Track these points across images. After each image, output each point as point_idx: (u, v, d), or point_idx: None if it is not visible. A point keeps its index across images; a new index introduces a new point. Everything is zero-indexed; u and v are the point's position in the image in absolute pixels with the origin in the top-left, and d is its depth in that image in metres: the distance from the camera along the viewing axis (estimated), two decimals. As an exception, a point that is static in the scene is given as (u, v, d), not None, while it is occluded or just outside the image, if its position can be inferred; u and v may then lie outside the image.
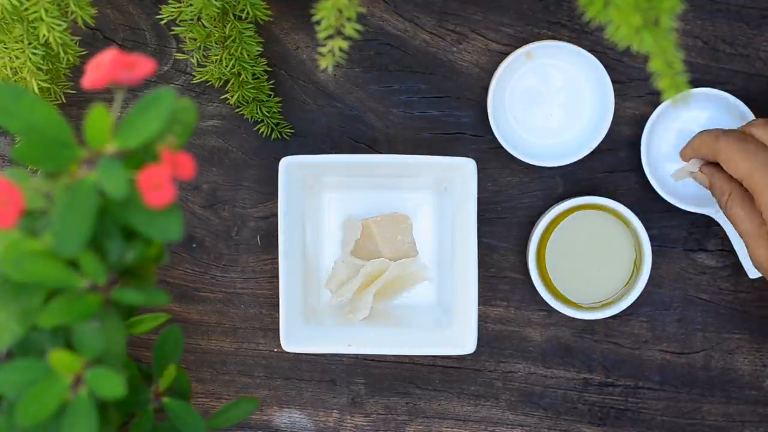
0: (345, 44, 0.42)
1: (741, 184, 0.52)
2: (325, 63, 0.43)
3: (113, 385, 0.37)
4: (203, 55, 0.58)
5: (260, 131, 0.62)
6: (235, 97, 0.59)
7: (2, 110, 0.35)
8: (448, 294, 0.60)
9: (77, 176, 0.35)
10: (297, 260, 0.59)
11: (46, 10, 0.50)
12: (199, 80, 0.60)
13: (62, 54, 0.53)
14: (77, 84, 0.57)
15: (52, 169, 0.35)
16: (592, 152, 0.59)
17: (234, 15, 0.56)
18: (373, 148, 0.62)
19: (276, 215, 0.58)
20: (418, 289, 0.62)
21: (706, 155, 0.54)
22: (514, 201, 0.62)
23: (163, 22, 0.57)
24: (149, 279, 0.39)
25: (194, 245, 0.63)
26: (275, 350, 0.63)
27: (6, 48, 0.53)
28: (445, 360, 0.62)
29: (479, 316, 0.61)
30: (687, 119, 0.60)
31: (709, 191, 0.57)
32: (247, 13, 0.56)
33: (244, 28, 0.57)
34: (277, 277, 0.59)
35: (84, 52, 0.57)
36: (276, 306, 0.61)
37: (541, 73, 0.60)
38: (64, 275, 0.36)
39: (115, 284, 0.37)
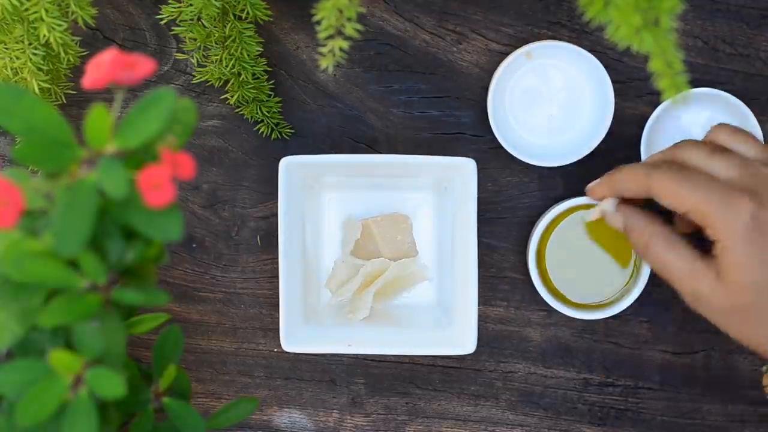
0: (345, 44, 0.42)
1: (662, 224, 0.48)
2: (325, 63, 0.43)
3: (113, 385, 0.37)
4: (203, 55, 0.58)
5: (260, 131, 0.62)
6: (235, 97, 0.59)
7: (3, 110, 0.35)
8: (448, 294, 0.60)
9: (77, 176, 0.35)
10: (297, 260, 0.59)
11: (47, 11, 0.50)
12: (199, 80, 0.60)
13: (63, 54, 0.53)
14: (77, 84, 0.58)
15: (52, 169, 0.35)
16: (592, 152, 0.59)
17: (234, 15, 0.56)
18: (373, 148, 0.62)
19: (276, 215, 0.58)
20: (418, 289, 0.62)
21: (631, 191, 0.49)
22: (514, 201, 0.62)
23: (163, 22, 0.57)
24: (149, 279, 0.39)
25: (194, 245, 0.63)
26: (275, 350, 0.63)
27: (6, 48, 0.53)
28: (445, 360, 0.62)
29: (479, 316, 0.61)
30: (687, 119, 0.60)
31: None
32: (247, 13, 0.56)
33: (244, 28, 0.57)
34: (277, 277, 0.59)
35: (84, 53, 0.57)
36: (276, 306, 0.61)
37: (541, 73, 0.60)
38: (64, 275, 0.36)
39: (115, 284, 0.37)
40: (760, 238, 0.43)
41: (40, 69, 0.53)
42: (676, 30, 0.40)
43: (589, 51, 0.58)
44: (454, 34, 0.61)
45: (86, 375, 0.37)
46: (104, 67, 0.35)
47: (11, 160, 0.63)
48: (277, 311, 0.60)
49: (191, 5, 0.54)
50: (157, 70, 0.62)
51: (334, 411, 0.63)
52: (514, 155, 0.59)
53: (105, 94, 0.60)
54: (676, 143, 0.49)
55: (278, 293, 0.57)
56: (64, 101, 0.59)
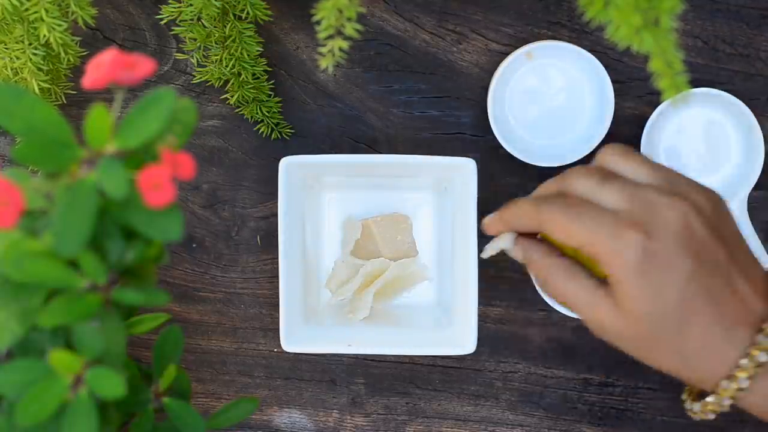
0: (345, 44, 0.42)
1: (560, 255, 0.47)
2: (325, 63, 0.43)
3: (113, 385, 0.37)
4: (203, 55, 0.58)
5: (260, 131, 0.62)
6: (235, 97, 0.59)
7: (3, 110, 0.35)
8: (448, 294, 0.60)
9: (77, 176, 0.35)
10: (297, 260, 0.59)
11: (47, 11, 0.50)
12: (199, 80, 0.60)
13: (63, 54, 0.53)
14: (77, 84, 0.58)
15: (52, 169, 0.35)
16: (592, 152, 0.59)
17: (234, 15, 0.56)
18: (373, 148, 0.62)
19: (276, 215, 0.58)
20: (418, 289, 0.62)
21: (524, 226, 0.48)
22: (514, 201, 0.62)
23: (163, 22, 0.57)
24: (149, 279, 0.39)
25: (194, 245, 0.63)
26: (275, 350, 0.63)
27: (6, 48, 0.53)
28: (445, 360, 0.62)
29: (479, 316, 0.61)
30: (687, 119, 0.60)
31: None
32: (247, 13, 0.56)
33: (244, 28, 0.57)
34: (277, 277, 0.59)
35: (84, 53, 0.57)
36: (276, 306, 0.61)
37: (541, 73, 0.60)
38: (64, 275, 0.36)
39: (115, 284, 0.37)
40: (651, 270, 0.42)
41: (40, 69, 0.53)
42: (676, 30, 0.40)
43: (589, 51, 0.58)
44: (454, 34, 0.61)
45: (86, 375, 0.37)
46: (104, 67, 0.35)
47: (11, 160, 0.63)
48: (277, 311, 0.60)
49: (191, 5, 0.54)
50: (157, 70, 0.62)
51: (334, 411, 0.63)
52: (514, 155, 0.59)
53: (105, 94, 0.60)
54: (566, 171, 0.47)
55: (278, 293, 0.57)
56: (64, 101, 0.59)
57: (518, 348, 0.62)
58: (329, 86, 0.62)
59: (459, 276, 0.58)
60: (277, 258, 0.57)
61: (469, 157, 0.56)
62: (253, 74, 0.58)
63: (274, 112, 0.61)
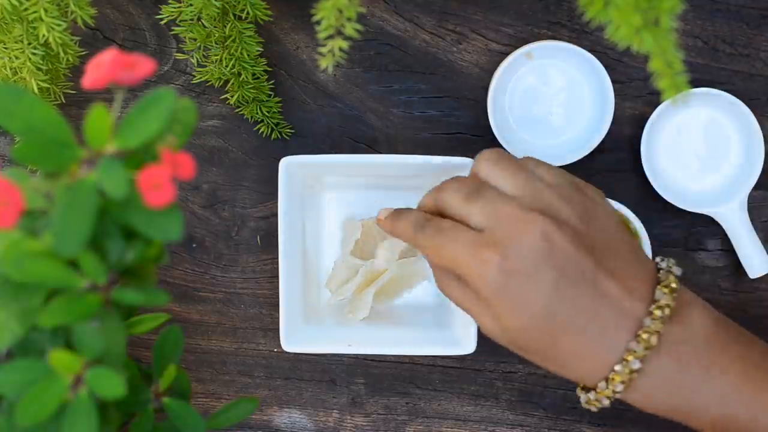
0: (345, 44, 0.42)
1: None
2: (325, 63, 0.43)
3: (113, 385, 0.37)
4: (203, 55, 0.58)
5: (260, 131, 0.62)
6: (235, 97, 0.59)
7: (2, 110, 0.35)
8: (448, 294, 0.60)
9: (77, 176, 0.35)
10: (297, 260, 0.59)
11: (46, 10, 0.50)
12: (199, 80, 0.60)
13: (62, 54, 0.53)
14: (77, 84, 0.58)
15: (52, 169, 0.35)
16: (592, 152, 0.59)
17: (234, 15, 0.56)
18: (373, 148, 0.62)
19: (276, 215, 0.58)
20: (418, 289, 0.62)
21: (409, 243, 0.50)
22: (514, 201, 0.62)
23: (163, 22, 0.57)
24: (149, 279, 0.39)
25: (194, 245, 0.63)
26: (275, 350, 0.63)
27: (6, 48, 0.53)
28: (445, 360, 0.62)
29: (479, 316, 0.61)
30: (687, 119, 0.60)
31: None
32: (247, 13, 0.56)
33: (244, 28, 0.57)
34: (277, 277, 0.59)
35: (84, 52, 0.57)
36: (276, 306, 0.61)
37: (541, 73, 0.60)
38: (64, 275, 0.36)
39: (115, 284, 0.37)
40: (512, 288, 0.43)
41: (39, 69, 0.53)
42: (676, 30, 0.40)
43: (589, 51, 0.58)
44: (454, 34, 0.61)
45: (86, 375, 0.37)
46: (104, 67, 0.35)
47: (11, 160, 0.63)
48: (277, 311, 0.60)
49: (191, 5, 0.54)
50: (157, 70, 0.62)
51: (334, 411, 0.63)
52: (514, 155, 0.59)
53: (105, 94, 0.60)
54: (441, 184, 0.49)
55: (278, 293, 0.57)
56: (64, 101, 0.59)
57: (518, 348, 0.62)
58: (329, 86, 0.62)
59: (459, 276, 0.58)
60: (277, 258, 0.57)
61: (469, 157, 0.56)
62: (253, 74, 0.58)
63: (274, 112, 0.61)
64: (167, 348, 0.48)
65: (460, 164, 0.56)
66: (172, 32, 0.60)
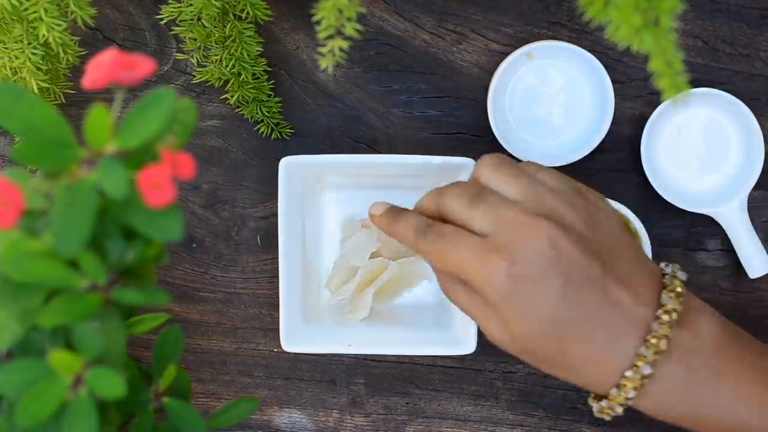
0: (345, 44, 0.42)
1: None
2: (325, 63, 0.43)
3: (113, 385, 0.37)
4: (203, 55, 0.58)
5: (260, 131, 0.62)
6: (235, 97, 0.59)
7: (2, 110, 0.35)
8: (448, 294, 0.60)
9: (77, 176, 0.35)
10: (297, 260, 0.59)
11: (46, 10, 0.50)
12: (199, 80, 0.60)
13: (62, 54, 0.53)
14: (77, 84, 0.58)
15: (52, 169, 0.35)
16: (592, 152, 0.59)
17: (234, 15, 0.56)
18: (373, 148, 0.62)
19: (276, 215, 0.58)
20: (418, 288, 0.62)
21: (408, 246, 0.49)
22: (514, 201, 0.62)
23: (163, 22, 0.57)
24: (149, 279, 0.39)
25: (194, 245, 0.63)
26: (275, 350, 0.63)
27: (5, 48, 0.53)
28: (445, 360, 0.62)
29: (479, 316, 0.61)
30: (687, 119, 0.60)
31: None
32: (247, 13, 0.56)
33: (244, 28, 0.57)
34: (277, 277, 0.59)
35: (84, 52, 0.57)
36: (276, 306, 0.61)
37: (541, 73, 0.60)
38: (64, 275, 0.36)
39: (115, 284, 0.37)
40: (520, 293, 0.43)
41: (39, 69, 0.53)
42: (676, 30, 0.40)
43: (589, 51, 0.58)
44: (454, 34, 0.61)
45: (86, 375, 0.37)
46: (104, 67, 0.35)
47: (11, 160, 0.63)
48: (277, 311, 0.60)
49: (191, 5, 0.54)
50: (157, 70, 0.62)
51: (334, 411, 0.63)
52: (514, 155, 0.59)
53: (105, 94, 0.60)
54: (443, 188, 0.48)
55: (278, 293, 0.57)
56: (64, 101, 0.59)
57: (518, 348, 0.62)
58: (329, 86, 0.62)
59: (459, 276, 0.58)
60: (277, 258, 0.57)
61: (469, 157, 0.56)
62: (253, 74, 0.58)
63: (274, 112, 0.61)
64: (167, 348, 0.48)
65: (460, 164, 0.56)
66: (172, 32, 0.60)
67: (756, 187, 0.60)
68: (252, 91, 0.59)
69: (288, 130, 0.62)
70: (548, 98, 0.60)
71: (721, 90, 0.59)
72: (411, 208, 0.62)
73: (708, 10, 0.61)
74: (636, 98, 0.61)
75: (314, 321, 0.60)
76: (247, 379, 0.63)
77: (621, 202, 0.58)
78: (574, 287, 0.43)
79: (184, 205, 0.63)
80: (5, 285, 0.36)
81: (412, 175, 0.60)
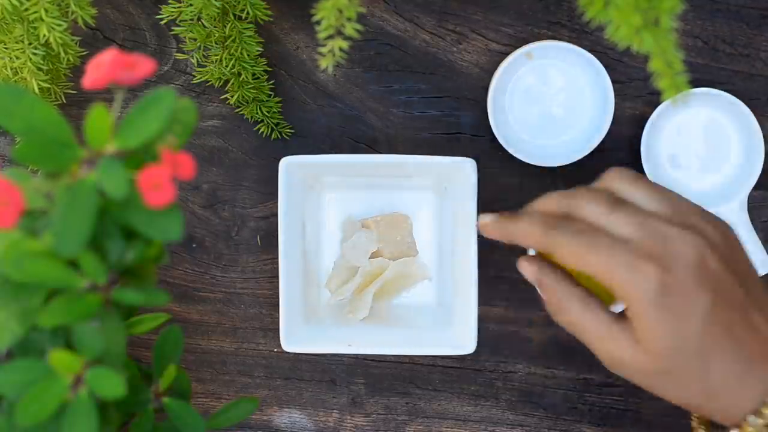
0: (345, 44, 0.42)
1: (577, 284, 0.46)
2: (325, 63, 0.43)
3: (113, 385, 0.37)
4: (203, 55, 0.58)
5: (260, 131, 0.62)
6: (235, 97, 0.59)
7: (3, 110, 0.35)
8: (448, 294, 0.60)
9: (77, 176, 0.35)
10: (297, 260, 0.59)
11: (47, 11, 0.50)
12: (199, 80, 0.60)
13: (62, 54, 0.53)
14: (77, 84, 0.58)
15: (52, 169, 0.35)
16: (592, 152, 0.59)
17: (234, 15, 0.56)
18: (373, 148, 0.62)
19: (276, 215, 0.58)
20: (418, 288, 0.62)
21: (528, 245, 0.47)
22: (514, 201, 0.62)
23: (163, 22, 0.57)
24: (149, 279, 0.39)
25: (194, 245, 0.63)
26: (275, 350, 0.63)
27: (6, 48, 0.53)
28: (445, 360, 0.62)
29: (479, 316, 0.61)
30: (687, 119, 0.60)
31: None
32: (247, 13, 0.56)
33: (244, 28, 0.57)
34: (277, 277, 0.59)
35: (84, 52, 0.57)
36: (276, 306, 0.61)
37: (541, 73, 0.60)
38: (64, 275, 0.36)
39: (115, 284, 0.37)
40: (669, 304, 0.41)
41: (39, 69, 0.53)
42: (676, 30, 0.40)
43: (589, 51, 0.58)
44: (454, 34, 0.61)
45: (86, 375, 0.37)
46: (104, 67, 0.35)
47: (11, 160, 0.63)
48: (277, 311, 0.60)
49: (191, 5, 0.54)
50: (157, 70, 0.62)
51: (334, 411, 0.63)
52: (514, 155, 0.59)
53: (105, 94, 0.60)
54: (572, 192, 0.46)
55: (278, 293, 0.57)
56: (64, 101, 0.59)
57: (518, 348, 0.62)
58: (329, 86, 0.62)
59: (459, 276, 0.58)
60: (277, 258, 0.57)
61: (469, 157, 0.56)
62: (253, 74, 0.59)
63: (274, 112, 0.61)
64: (167, 348, 0.48)
65: (460, 164, 0.56)
66: (172, 32, 0.60)
67: (756, 187, 0.60)
68: (252, 91, 0.59)
69: (288, 130, 0.62)
70: (548, 98, 0.60)
71: (721, 90, 0.59)
72: (411, 207, 0.62)
73: (708, 10, 0.61)
74: (636, 98, 0.61)
75: (314, 321, 0.60)
76: (247, 379, 0.63)
77: (621, 202, 0.58)
78: (721, 306, 0.42)
79: (184, 205, 0.63)
80: (5, 285, 0.36)
81: (412, 175, 0.60)
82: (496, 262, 0.62)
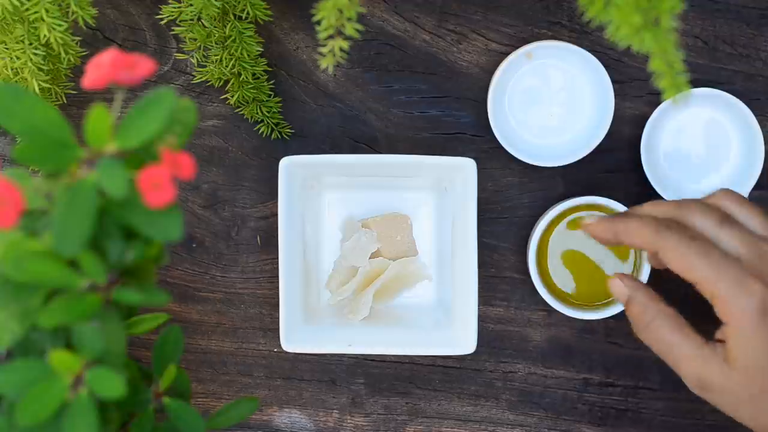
0: (345, 44, 0.42)
1: (667, 304, 0.48)
2: (326, 63, 0.43)
3: (113, 385, 0.37)
4: (203, 55, 0.58)
5: (260, 131, 0.62)
6: (235, 97, 0.59)
7: (3, 110, 0.35)
8: (448, 294, 0.60)
9: (77, 176, 0.35)
10: (297, 260, 0.59)
11: (47, 11, 0.50)
12: (199, 80, 0.60)
13: (63, 54, 0.53)
14: (78, 84, 0.58)
15: (52, 169, 0.35)
16: (592, 152, 0.59)
17: (234, 15, 0.56)
18: (373, 148, 0.62)
19: (276, 215, 0.58)
20: (418, 289, 0.62)
21: (635, 245, 0.48)
22: (514, 201, 0.62)
23: (163, 22, 0.57)
24: (149, 279, 0.39)
25: (194, 245, 0.63)
26: (275, 350, 0.63)
27: (7, 48, 0.53)
28: (445, 360, 0.62)
29: (479, 316, 0.61)
30: (687, 119, 0.60)
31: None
32: (247, 13, 0.56)
33: (244, 28, 0.57)
34: (277, 277, 0.59)
35: (84, 52, 0.57)
36: (276, 306, 0.61)
37: (541, 73, 0.60)
38: (64, 275, 0.36)
39: (115, 284, 0.37)
40: None
41: (40, 69, 0.53)
42: (677, 30, 0.40)
43: (589, 51, 0.58)
44: (454, 34, 0.61)
45: (86, 375, 0.37)
46: (104, 67, 0.35)
47: (11, 160, 0.63)
48: (277, 311, 0.60)
49: (191, 5, 0.54)
50: (157, 70, 0.62)
51: (334, 411, 0.63)
52: (514, 155, 0.59)
53: (105, 94, 0.60)
54: (682, 201, 0.47)
55: (278, 293, 0.57)
56: (65, 101, 0.59)
57: (518, 348, 0.62)
58: (329, 86, 0.62)
59: (459, 276, 0.58)
60: (277, 258, 0.57)
61: (469, 157, 0.56)
62: (253, 74, 0.59)
63: (274, 112, 0.61)
64: (167, 348, 0.48)
65: (460, 164, 0.56)
66: (172, 32, 0.60)
67: (756, 187, 0.60)
68: (252, 91, 0.59)
69: (288, 130, 0.62)
70: (548, 98, 0.60)
71: (721, 90, 0.59)
72: (411, 207, 0.62)
73: (708, 10, 0.61)
74: (636, 98, 0.61)
75: (314, 321, 0.60)
76: (247, 379, 0.63)
77: (621, 202, 0.58)
78: None
79: (184, 205, 0.63)
80: (5, 285, 0.36)
81: (412, 175, 0.60)
82: (496, 262, 0.62)
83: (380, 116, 0.62)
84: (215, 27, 0.56)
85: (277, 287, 0.58)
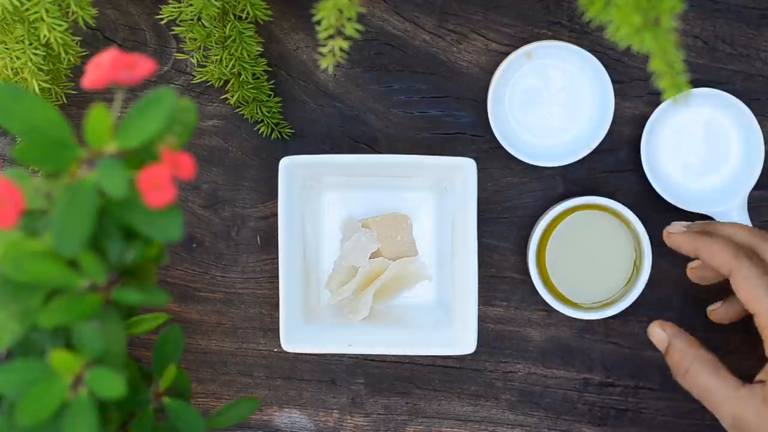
0: (345, 44, 0.42)
1: (706, 349, 0.50)
2: (326, 63, 0.43)
3: (113, 385, 0.37)
4: (203, 55, 0.58)
5: (260, 131, 0.62)
6: (235, 97, 0.59)
7: (3, 110, 0.35)
8: (448, 294, 0.60)
9: (77, 176, 0.35)
10: (297, 260, 0.59)
11: (47, 11, 0.50)
12: (199, 80, 0.60)
13: (63, 54, 0.53)
14: (78, 84, 0.58)
15: (52, 169, 0.35)
16: (592, 152, 0.59)
17: (234, 15, 0.56)
18: (373, 148, 0.62)
19: (276, 215, 0.58)
20: (418, 289, 0.62)
21: (710, 263, 0.50)
22: (514, 201, 0.62)
23: (163, 22, 0.57)
24: (149, 279, 0.39)
25: (194, 245, 0.63)
26: (275, 350, 0.63)
27: (7, 48, 0.53)
28: (445, 360, 0.62)
29: (479, 316, 0.61)
30: (687, 119, 0.60)
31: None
32: (247, 13, 0.56)
33: (244, 28, 0.57)
34: (277, 277, 0.59)
35: (84, 53, 0.57)
36: (276, 306, 0.61)
37: (541, 73, 0.60)
38: (64, 275, 0.36)
39: (115, 284, 0.37)
40: None
41: (40, 69, 0.53)
42: (677, 30, 0.40)
43: (589, 51, 0.58)
44: (454, 34, 0.61)
45: (86, 375, 0.37)
46: (104, 67, 0.35)
47: (11, 160, 0.63)
48: (277, 311, 0.60)
49: (191, 5, 0.54)
50: (157, 70, 0.62)
51: (334, 411, 0.63)
52: (514, 155, 0.59)
53: (105, 94, 0.60)
54: (761, 231, 0.50)
55: (278, 293, 0.57)
56: (65, 101, 0.59)
57: (518, 348, 0.62)
58: (329, 86, 0.62)
59: (459, 276, 0.58)
60: (277, 258, 0.57)
61: (469, 157, 0.56)
62: (253, 74, 0.59)
63: (274, 112, 0.61)
64: (167, 348, 0.48)
65: (460, 164, 0.56)
66: (172, 32, 0.60)
67: (756, 187, 0.60)
68: (252, 91, 0.59)
69: (288, 130, 0.62)
70: (548, 98, 0.60)
71: (721, 90, 0.59)
72: (411, 207, 0.62)
73: (708, 10, 0.61)
74: (636, 98, 0.61)
75: (314, 321, 0.60)
76: (247, 379, 0.63)
77: (621, 202, 0.58)
78: None
79: (184, 205, 0.63)
80: (5, 285, 0.36)
81: (412, 175, 0.60)
82: (496, 262, 0.62)
83: (380, 116, 0.62)
84: (215, 27, 0.56)
85: (277, 287, 0.58)
